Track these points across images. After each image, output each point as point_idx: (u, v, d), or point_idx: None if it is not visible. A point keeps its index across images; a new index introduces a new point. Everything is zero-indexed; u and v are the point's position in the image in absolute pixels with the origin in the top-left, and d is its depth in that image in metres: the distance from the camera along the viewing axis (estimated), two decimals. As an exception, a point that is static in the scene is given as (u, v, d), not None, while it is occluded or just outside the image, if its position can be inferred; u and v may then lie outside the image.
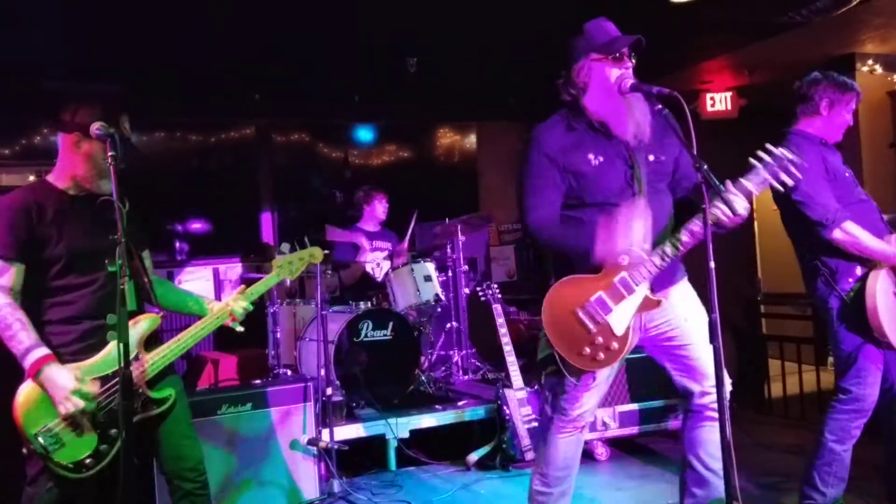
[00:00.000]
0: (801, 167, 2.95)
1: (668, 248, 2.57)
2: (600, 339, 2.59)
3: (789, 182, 2.49)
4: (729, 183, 2.49)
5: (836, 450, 3.13)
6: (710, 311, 2.31)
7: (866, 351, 3.08)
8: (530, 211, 2.67)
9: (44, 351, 2.37)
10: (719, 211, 2.42)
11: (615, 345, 2.59)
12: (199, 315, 2.70)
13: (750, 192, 2.48)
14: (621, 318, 2.60)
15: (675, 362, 2.75)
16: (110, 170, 2.32)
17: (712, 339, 2.31)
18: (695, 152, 2.40)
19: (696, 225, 2.53)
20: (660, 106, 2.57)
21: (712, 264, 2.34)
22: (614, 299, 2.59)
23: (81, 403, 2.35)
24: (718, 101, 6.51)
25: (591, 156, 2.63)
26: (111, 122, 2.42)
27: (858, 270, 3.08)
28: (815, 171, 3.06)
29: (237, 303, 2.65)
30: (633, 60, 2.66)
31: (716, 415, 2.65)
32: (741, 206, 2.43)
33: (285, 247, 2.82)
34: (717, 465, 2.70)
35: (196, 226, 7.48)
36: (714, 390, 2.63)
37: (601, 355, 2.60)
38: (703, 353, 2.68)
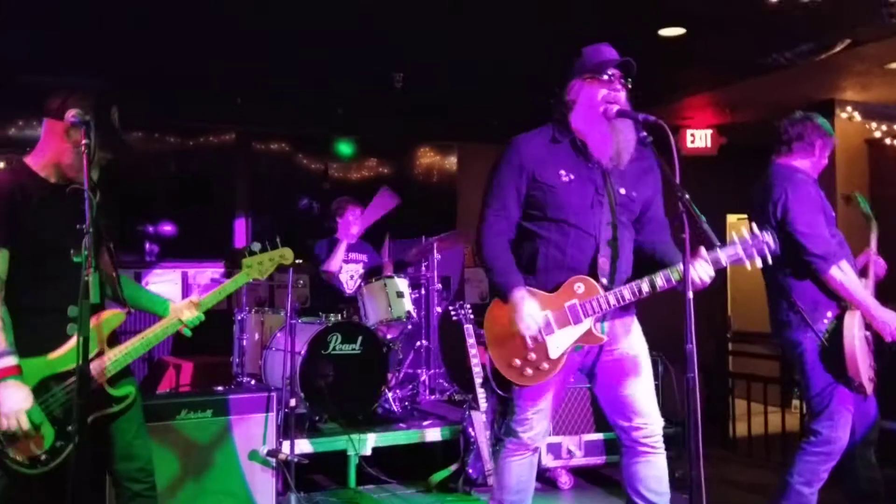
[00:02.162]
0: (802, 200, 3.01)
1: (627, 293, 2.59)
2: (533, 356, 2.60)
3: (758, 264, 2.55)
4: (703, 249, 2.53)
5: (803, 492, 3.11)
6: (686, 341, 2.31)
7: (839, 393, 3.08)
8: (488, 217, 2.69)
9: (11, 361, 2.29)
10: (694, 272, 2.46)
11: (545, 366, 2.60)
12: (161, 316, 2.64)
13: (720, 263, 2.54)
14: (560, 342, 2.61)
15: (610, 395, 2.74)
16: (93, 158, 2.27)
17: (688, 370, 2.30)
18: (677, 181, 2.43)
19: (661, 279, 2.56)
20: (644, 133, 2.59)
21: (690, 295, 2.34)
22: (559, 323, 2.60)
23: (24, 426, 2.27)
24: (699, 138, 6.58)
25: (562, 171, 2.65)
26: (102, 113, 2.38)
27: (831, 312, 3.09)
28: (815, 207, 3.11)
29: (191, 312, 2.61)
30: (627, 85, 2.66)
31: (650, 449, 2.69)
32: (706, 272, 2.50)
33: (256, 246, 2.76)
34: (662, 499, 2.70)
35: (168, 228, 7.35)
36: (646, 426, 2.69)
37: (529, 371, 2.61)
38: (639, 389, 2.70)
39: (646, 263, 2.75)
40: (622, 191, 2.69)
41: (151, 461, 2.58)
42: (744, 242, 2.53)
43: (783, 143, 3.24)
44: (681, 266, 2.45)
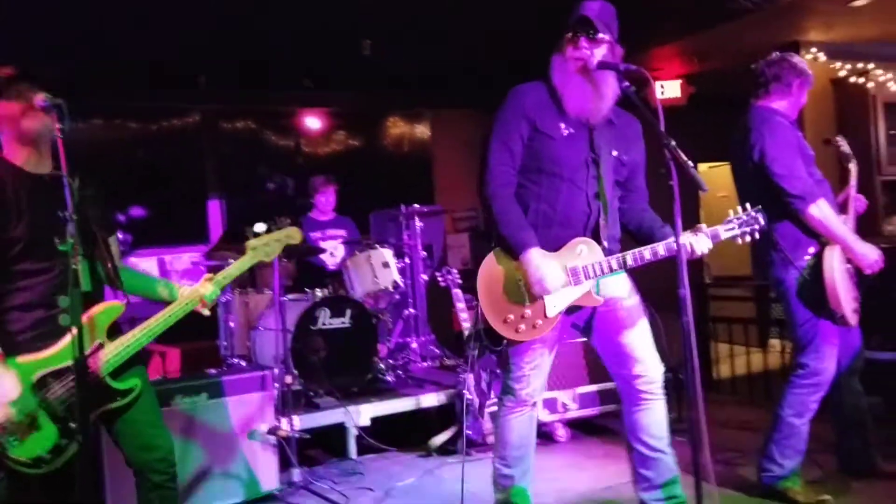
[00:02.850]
0: (780, 142, 3.09)
1: (629, 258, 2.64)
2: (528, 313, 2.64)
3: (748, 239, 2.68)
4: (703, 225, 2.64)
5: (794, 423, 3.20)
6: (679, 286, 2.35)
7: (823, 326, 3.16)
8: (494, 165, 2.70)
9: None
10: (687, 244, 2.57)
11: (540, 322, 2.64)
12: (167, 301, 2.57)
13: (718, 237, 2.65)
14: (557, 302, 2.65)
15: (608, 346, 2.79)
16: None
17: (682, 314, 2.34)
18: (661, 129, 2.45)
19: (664, 249, 2.61)
20: (626, 83, 2.60)
21: (682, 240, 2.39)
22: None
23: (11, 415, 2.23)
24: (668, 89, 6.59)
25: (562, 125, 2.68)
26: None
27: (812, 248, 3.16)
28: (793, 148, 3.16)
29: (206, 287, 2.54)
30: (598, 41, 2.64)
31: (650, 395, 2.76)
32: (706, 245, 2.61)
33: (260, 226, 2.65)
34: (661, 444, 2.77)
35: (139, 215, 7.21)
36: (646, 373, 2.75)
37: (522, 327, 2.64)
38: (635, 338, 2.75)
39: (632, 233, 2.81)
40: (614, 153, 2.72)
41: (173, 452, 2.53)
42: (740, 220, 2.64)
43: (761, 85, 3.28)
44: (689, 237, 2.57)
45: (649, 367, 2.75)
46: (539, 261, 2.58)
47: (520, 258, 2.61)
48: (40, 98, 2.25)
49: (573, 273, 2.62)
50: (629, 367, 2.74)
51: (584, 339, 4.20)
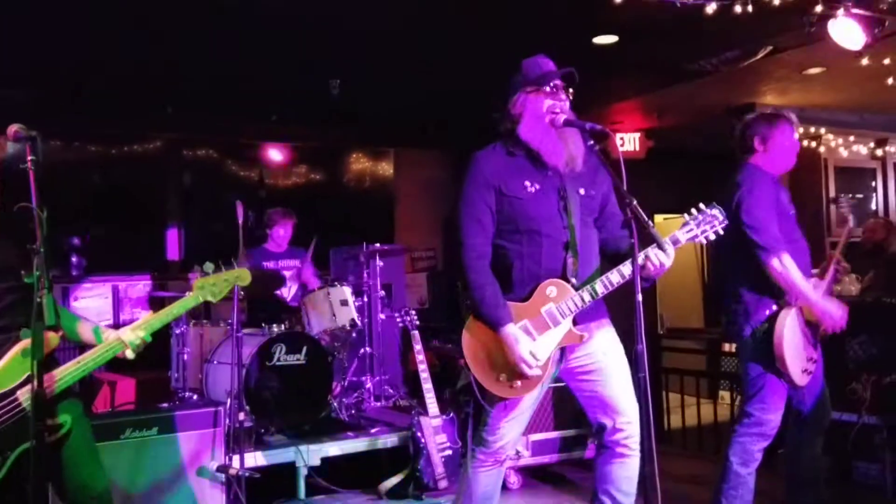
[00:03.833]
0: (756, 196, 3.13)
1: (599, 287, 2.62)
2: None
3: (711, 237, 2.66)
4: (658, 234, 2.57)
5: (740, 473, 3.26)
6: (636, 342, 2.38)
7: (771, 380, 3.25)
8: (466, 239, 2.69)
9: None
10: (648, 260, 2.53)
11: (534, 373, 2.62)
12: (92, 344, 2.52)
13: (678, 242, 2.62)
14: (543, 348, 2.62)
15: (590, 396, 2.75)
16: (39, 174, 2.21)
17: (639, 369, 2.37)
18: (624, 187, 2.52)
19: (627, 267, 2.58)
20: (591, 142, 2.67)
21: (640, 297, 2.40)
22: (539, 329, 2.61)
23: None
24: (627, 142, 6.78)
25: (527, 182, 2.68)
26: None
27: (773, 307, 3.25)
28: (767, 203, 3.24)
29: (134, 333, 2.47)
30: (569, 95, 2.73)
31: (628, 451, 2.70)
32: (670, 254, 2.56)
33: (209, 266, 2.59)
34: (627, 500, 2.73)
35: (95, 240, 7.09)
36: (627, 427, 2.70)
37: (518, 383, 2.61)
38: (619, 389, 2.71)
39: (613, 259, 2.76)
40: (581, 191, 2.73)
41: (108, 490, 2.46)
42: (695, 219, 2.64)
43: (748, 140, 3.36)
44: (647, 249, 2.52)
45: (632, 420, 2.70)
46: (514, 341, 2.57)
47: (498, 334, 2.60)
48: (13, 130, 2.24)
49: (549, 316, 2.61)
50: (613, 418, 2.70)
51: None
